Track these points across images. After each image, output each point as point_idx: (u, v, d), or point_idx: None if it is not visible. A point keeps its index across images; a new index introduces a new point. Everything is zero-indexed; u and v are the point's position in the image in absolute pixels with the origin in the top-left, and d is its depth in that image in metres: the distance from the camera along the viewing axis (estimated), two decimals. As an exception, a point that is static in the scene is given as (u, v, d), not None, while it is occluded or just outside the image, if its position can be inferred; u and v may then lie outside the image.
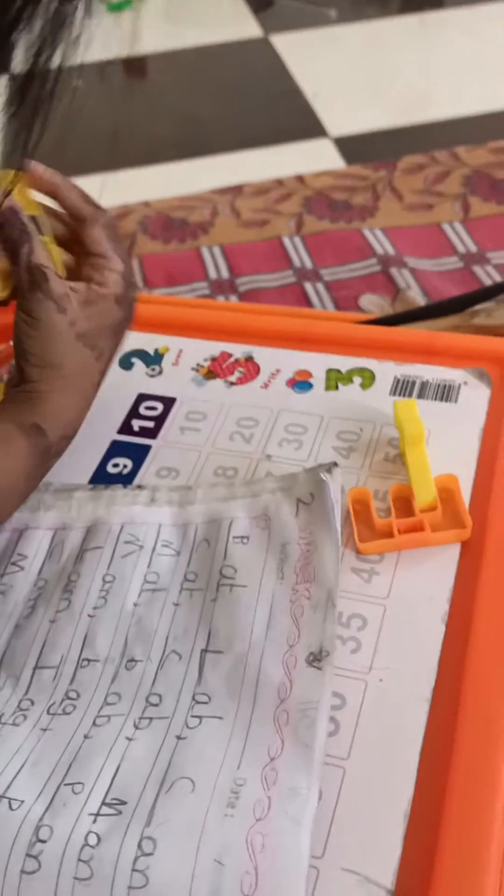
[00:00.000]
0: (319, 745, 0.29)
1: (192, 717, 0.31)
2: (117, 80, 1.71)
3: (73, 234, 0.41)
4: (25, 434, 0.38)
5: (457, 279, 1.02)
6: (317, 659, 0.32)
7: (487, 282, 1.01)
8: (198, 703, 0.31)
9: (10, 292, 0.40)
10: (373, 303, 1.00)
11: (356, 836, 0.29)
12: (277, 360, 0.48)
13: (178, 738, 0.30)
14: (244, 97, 1.59)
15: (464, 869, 0.27)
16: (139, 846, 0.27)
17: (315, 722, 0.30)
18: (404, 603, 0.35)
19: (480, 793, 0.29)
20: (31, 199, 0.39)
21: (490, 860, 0.27)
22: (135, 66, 1.77)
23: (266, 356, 0.48)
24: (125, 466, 0.43)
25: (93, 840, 0.27)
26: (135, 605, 0.36)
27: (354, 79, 1.58)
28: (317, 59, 1.66)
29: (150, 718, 0.31)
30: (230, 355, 0.49)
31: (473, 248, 1.07)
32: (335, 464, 0.39)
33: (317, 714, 0.30)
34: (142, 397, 0.47)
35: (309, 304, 1.03)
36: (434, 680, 0.33)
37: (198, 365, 0.49)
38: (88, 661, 0.34)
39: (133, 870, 0.26)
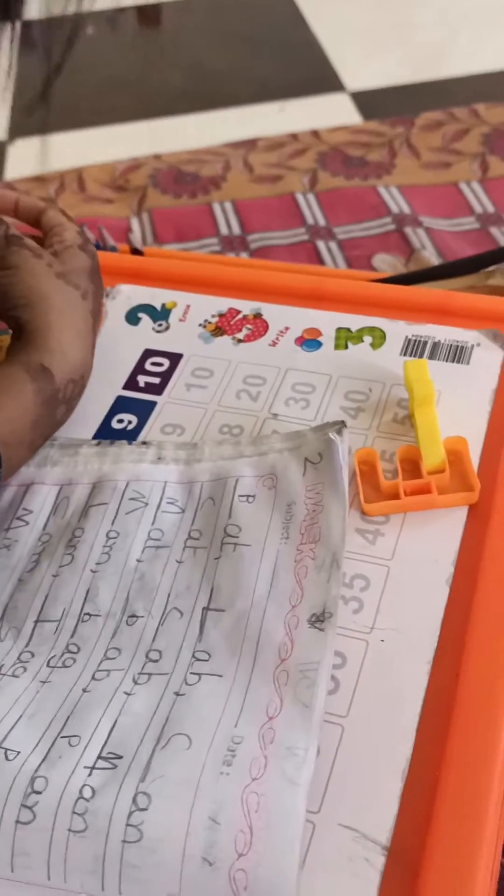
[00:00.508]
0: (318, 706, 0.29)
1: (192, 674, 0.31)
2: (130, 28, 1.67)
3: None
4: (32, 377, 0.38)
5: (473, 239, 1.00)
6: (319, 620, 0.32)
7: (504, 243, 0.99)
8: (198, 660, 0.31)
9: None
10: (386, 262, 0.98)
11: (353, 792, 0.29)
12: (286, 318, 0.47)
13: (177, 694, 0.30)
14: (259, 48, 1.55)
15: (459, 828, 0.27)
16: (134, 801, 0.27)
17: (315, 683, 0.30)
18: (408, 565, 0.35)
19: (478, 754, 0.29)
20: None
21: (486, 821, 0.27)
22: (149, 15, 1.72)
23: (275, 313, 0.47)
24: (130, 422, 0.43)
25: (87, 793, 0.27)
26: (138, 561, 0.35)
27: (373, 31, 1.54)
28: (335, 10, 1.61)
29: (150, 674, 0.31)
30: (238, 312, 0.48)
31: (491, 209, 1.05)
32: (343, 423, 0.38)
33: (317, 675, 0.30)
34: (148, 353, 0.47)
35: (321, 262, 1.01)
36: (436, 642, 0.33)
37: (205, 321, 0.48)
38: (90, 615, 0.34)
39: (127, 824, 0.27)
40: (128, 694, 0.30)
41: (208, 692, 0.30)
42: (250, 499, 0.36)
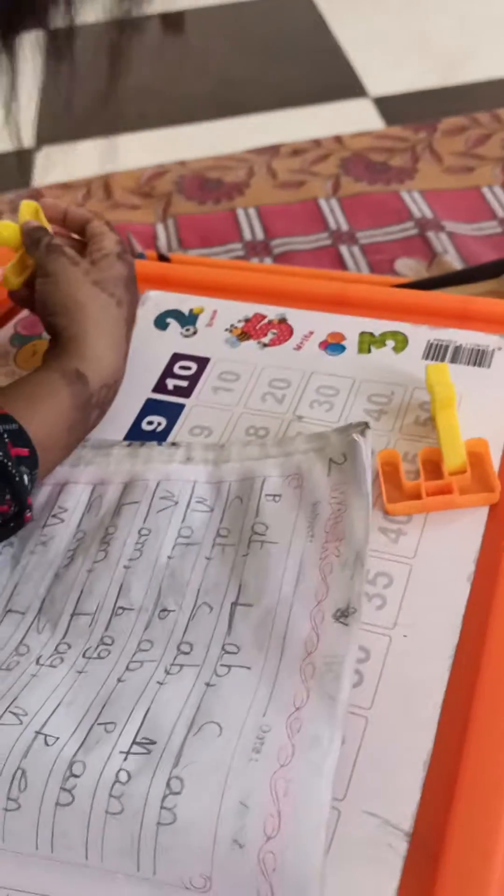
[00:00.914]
0: (343, 698, 0.30)
1: (222, 665, 0.32)
2: (154, 35, 1.69)
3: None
4: (68, 382, 0.39)
5: (495, 244, 1.00)
6: (344, 615, 0.33)
7: (526, 247, 1.00)
8: (227, 652, 0.32)
9: (24, 279, 0.46)
10: (409, 267, 0.99)
11: (377, 781, 0.30)
12: (311, 323, 0.48)
13: (208, 684, 0.31)
14: (283, 55, 1.56)
15: (478, 816, 0.28)
16: (167, 784, 0.28)
17: (340, 675, 0.31)
18: (430, 563, 0.36)
19: (497, 746, 0.30)
20: (45, 221, 0.47)
21: (503, 809, 0.28)
22: (172, 22, 1.74)
23: (299, 318, 0.49)
24: (159, 424, 0.44)
25: (123, 777, 0.29)
26: (169, 557, 0.37)
27: (396, 37, 1.55)
28: (358, 16, 1.62)
29: (181, 665, 0.32)
30: (264, 317, 0.49)
31: (513, 213, 1.05)
32: (367, 424, 0.39)
33: (342, 668, 0.31)
34: (176, 357, 0.48)
35: (344, 267, 1.02)
36: (457, 637, 0.34)
37: (231, 326, 0.49)
38: (123, 609, 0.35)
39: (162, 807, 0.28)
40: (160, 684, 0.32)
41: (237, 683, 0.31)
42: (277, 498, 0.38)
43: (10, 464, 0.35)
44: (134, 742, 0.30)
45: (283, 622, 0.33)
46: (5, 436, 0.35)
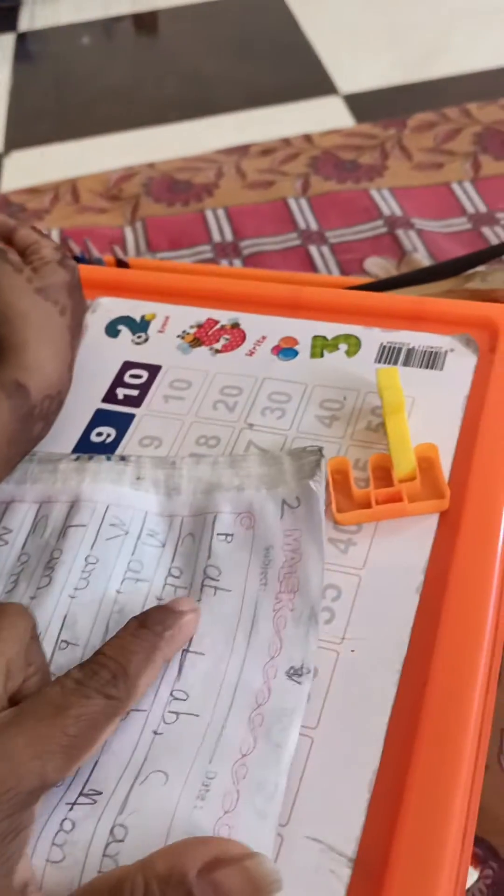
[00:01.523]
0: (290, 748, 0.30)
1: (170, 712, 0.31)
2: (126, 37, 1.67)
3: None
4: (7, 395, 0.38)
5: (465, 240, 1.00)
6: (297, 674, 0.32)
7: (496, 243, 0.99)
8: (175, 699, 0.31)
9: None
10: (378, 265, 0.98)
11: (321, 804, 0.29)
12: (263, 327, 0.47)
13: (155, 733, 0.30)
14: (254, 54, 1.55)
15: (423, 840, 0.27)
16: (111, 832, 0.27)
17: (289, 727, 0.30)
18: (379, 573, 0.35)
19: (444, 766, 0.29)
20: None
21: (449, 834, 0.27)
22: (146, 22, 1.73)
23: (252, 323, 0.48)
24: (108, 435, 0.43)
25: (68, 826, 0.28)
26: (117, 591, 0.35)
27: (366, 33, 1.54)
28: (328, 13, 1.61)
29: (129, 711, 0.31)
30: (216, 322, 0.48)
31: (483, 209, 1.05)
32: (321, 453, 0.38)
33: (291, 721, 0.30)
34: (127, 365, 0.47)
35: (314, 267, 1.01)
36: (405, 650, 0.33)
37: (184, 332, 0.48)
38: (67, 643, 0.34)
39: (104, 855, 0.27)
40: None
41: (185, 731, 0.30)
42: (229, 538, 0.36)
43: None
44: (81, 793, 0.29)
45: (235, 673, 0.32)
46: None
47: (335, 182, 1.13)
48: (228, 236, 1.05)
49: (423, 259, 0.98)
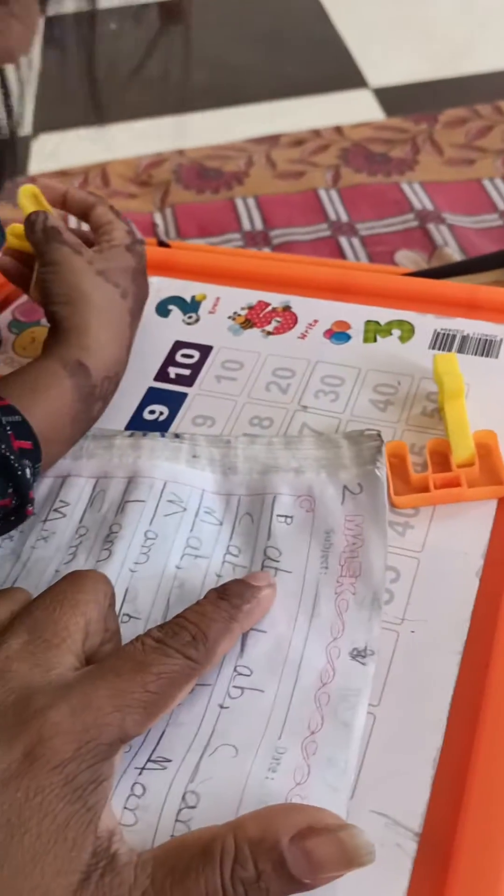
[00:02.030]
0: (358, 726, 0.30)
1: (234, 687, 0.31)
2: (153, 24, 1.67)
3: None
4: (70, 374, 0.38)
5: (496, 236, 1.00)
6: (361, 655, 0.32)
7: (528, 240, 0.99)
8: (239, 674, 0.32)
9: (23, 246, 0.45)
10: (409, 259, 0.98)
11: (385, 780, 0.29)
12: (315, 311, 0.47)
13: (221, 706, 0.31)
14: (283, 44, 1.55)
15: (489, 815, 0.28)
16: (183, 798, 0.28)
17: (356, 706, 0.30)
18: (438, 556, 0.35)
19: (510, 744, 0.29)
20: (45, 205, 0.45)
21: (518, 809, 0.27)
22: (171, 11, 1.73)
23: (304, 306, 0.48)
24: (161, 413, 0.43)
25: (139, 790, 0.28)
26: (177, 567, 0.35)
27: (397, 27, 1.54)
28: (359, 5, 1.61)
29: (203, 675, 0.32)
30: (267, 304, 0.48)
31: (514, 206, 1.04)
32: (380, 437, 0.38)
33: (358, 699, 0.31)
34: (178, 345, 0.47)
35: (343, 258, 1.01)
36: (466, 633, 0.33)
37: (234, 314, 0.48)
38: (129, 616, 0.34)
39: (177, 820, 0.27)
40: None
41: (251, 706, 0.30)
42: (289, 520, 0.36)
43: (12, 457, 0.34)
44: (149, 759, 0.29)
45: (297, 652, 0.32)
46: (8, 428, 0.34)
47: (366, 174, 1.12)
48: (258, 225, 1.05)
49: (454, 253, 0.98)
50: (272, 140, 1.19)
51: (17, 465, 0.34)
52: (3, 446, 0.33)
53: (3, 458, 0.33)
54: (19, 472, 0.34)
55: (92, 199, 0.46)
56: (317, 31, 1.57)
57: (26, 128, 1.33)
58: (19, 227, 0.45)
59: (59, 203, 0.47)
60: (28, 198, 0.45)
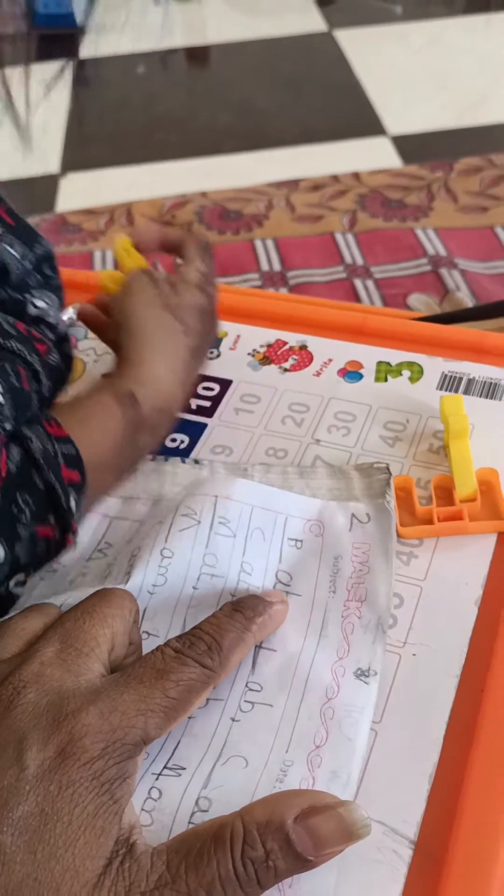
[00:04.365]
0: (361, 741, 0.32)
1: (245, 702, 0.33)
2: (180, 68, 1.73)
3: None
4: (120, 403, 0.39)
5: (506, 283, 1.03)
6: (364, 675, 0.34)
7: (537, 287, 1.02)
8: (250, 690, 0.34)
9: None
10: (421, 302, 1.01)
11: (384, 791, 0.31)
12: (330, 350, 0.50)
13: (233, 720, 0.33)
14: (305, 91, 1.60)
15: (481, 826, 0.29)
16: (196, 803, 0.30)
17: (359, 722, 0.32)
18: (440, 585, 0.37)
19: (501, 761, 0.31)
20: (137, 256, 0.49)
21: (508, 820, 0.29)
22: (198, 56, 1.79)
23: (319, 345, 0.50)
24: (182, 441, 0.46)
25: (155, 794, 0.30)
26: (194, 588, 0.37)
27: (416, 77, 1.59)
28: (380, 55, 1.66)
29: (208, 699, 0.34)
30: (285, 343, 0.51)
31: (525, 253, 1.08)
32: (389, 471, 0.40)
33: (361, 717, 0.33)
34: (200, 377, 0.50)
35: (358, 300, 1.05)
36: (464, 657, 0.35)
37: (254, 350, 0.51)
38: (148, 633, 0.36)
39: (189, 822, 0.29)
40: (189, 717, 0.33)
41: (261, 720, 0.33)
42: (299, 544, 0.39)
43: (60, 488, 0.35)
44: (165, 767, 0.31)
45: (305, 670, 0.34)
46: (60, 458, 0.35)
47: (382, 220, 1.16)
48: (276, 266, 1.09)
49: (465, 297, 1.01)
50: (292, 184, 1.23)
51: (63, 496, 0.35)
52: (52, 476, 0.35)
53: (49, 486, 0.35)
54: (66, 504, 0.35)
55: (181, 235, 0.48)
56: (338, 79, 1.62)
57: (55, 166, 1.38)
58: (117, 274, 0.47)
59: (154, 248, 0.49)
60: (122, 250, 0.48)
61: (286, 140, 1.42)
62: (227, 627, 0.31)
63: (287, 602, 0.35)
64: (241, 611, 0.33)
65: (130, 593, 0.33)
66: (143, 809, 0.30)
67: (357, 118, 1.47)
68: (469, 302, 1.01)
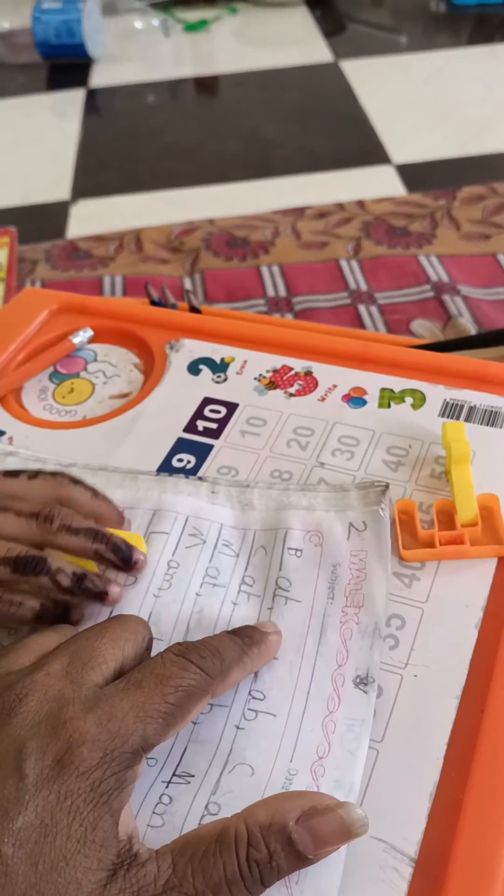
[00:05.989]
0: (362, 754, 0.33)
1: (249, 710, 0.34)
2: (189, 98, 1.76)
3: None
4: None
5: (509, 309, 1.04)
6: (363, 682, 0.35)
7: (539, 314, 1.03)
8: (253, 698, 0.35)
9: None
10: (424, 327, 1.03)
11: (385, 809, 0.32)
12: (335, 377, 0.51)
13: (237, 727, 0.34)
14: (312, 121, 1.63)
15: (481, 846, 0.30)
16: (206, 808, 0.31)
17: (360, 736, 0.33)
18: (441, 608, 0.38)
19: (500, 781, 0.32)
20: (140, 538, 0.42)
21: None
22: (206, 85, 1.82)
23: (324, 372, 0.52)
24: (189, 462, 0.47)
25: (166, 800, 0.31)
26: (197, 594, 0.39)
27: (420, 107, 1.61)
28: (385, 85, 1.69)
29: (211, 705, 0.34)
30: (291, 368, 0.52)
31: (528, 281, 1.09)
32: (387, 486, 0.42)
33: (361, 730, 0.33)
34: (207, 401, 0.51)
35: (362, 325, 1.06)
36: (464, 679, 0.36)
37: (260, 375, 0.52)
38: (154, 638, 0.37)
39: (199, 825, 0.30)
40: (194, 723, 0.34)
41: (265, 730, 0.33)
42: (298, 553, 0.40)
43: None
44: (174, 774, 0.32)
45: (307, 679, 0.35)
46: None
47: (386, 247, 1.18)
48: (282, 291, 1.10)
49: (467, 323, 1.02)
50: (298, 212, 1.25)
51: None
52: None
53: None
54: None
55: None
56: (344, 108, 1.65)
57: (66, 193, 1.40)
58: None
59: None
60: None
61: (292, 168, 1.44)
62: (229, 645, 0.32)
63: (281, 633, 0.36)
64: (240, 636, 0.33)
65: (145, 621, 0.34)
66: (154, 812, 0.31)
67: (362, 147, 1.50)
68: (471, 327, 1.02)
